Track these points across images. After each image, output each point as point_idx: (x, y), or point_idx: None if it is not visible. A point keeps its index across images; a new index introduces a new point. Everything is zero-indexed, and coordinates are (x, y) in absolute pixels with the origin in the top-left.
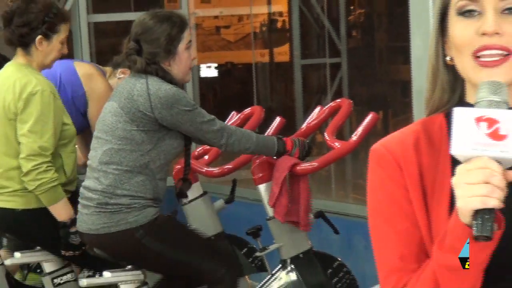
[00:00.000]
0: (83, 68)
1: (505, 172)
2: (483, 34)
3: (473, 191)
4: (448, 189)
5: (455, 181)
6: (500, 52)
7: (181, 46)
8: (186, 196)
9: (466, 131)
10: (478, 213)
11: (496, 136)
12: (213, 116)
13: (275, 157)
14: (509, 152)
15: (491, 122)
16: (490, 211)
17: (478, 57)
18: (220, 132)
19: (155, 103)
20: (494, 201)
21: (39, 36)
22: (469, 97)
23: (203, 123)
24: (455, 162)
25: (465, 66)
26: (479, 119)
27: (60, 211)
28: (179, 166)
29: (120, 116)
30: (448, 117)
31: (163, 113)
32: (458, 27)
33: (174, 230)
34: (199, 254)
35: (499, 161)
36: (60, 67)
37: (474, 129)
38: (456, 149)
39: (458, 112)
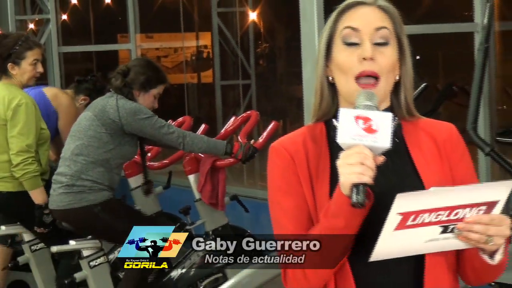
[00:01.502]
0: (50, 91)
1: (375, 157)
2: (364, 59)
3: (352, 169)
4: (328, 175)
5: (339, 162)
6: (373, 77)
7: (153, 91)
8: (151, 193)
9: (348, 126)
10: (355, 186)
11: (369, 130)
12: (169, 122)
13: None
14: (378, 142)
15: (366, 120)
16: (363, 185)
17: (359, 81)
18: (176, 134)
19: (122, 113)
20: (367, 178)
21: (9, 64)
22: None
23: (160, 127)
24: (332, 155)
25: (350, 87)
26: (357, 117)
27: (38, 196)
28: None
29: (93, 121)
30: (326, 124)
31: (128, 120)
32: (344, 54)
33: (124, 209)
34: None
35: (371, 149)
36: (33, 94)
37: (354, 125)
38: (341, 138)
39: (342, 112)
